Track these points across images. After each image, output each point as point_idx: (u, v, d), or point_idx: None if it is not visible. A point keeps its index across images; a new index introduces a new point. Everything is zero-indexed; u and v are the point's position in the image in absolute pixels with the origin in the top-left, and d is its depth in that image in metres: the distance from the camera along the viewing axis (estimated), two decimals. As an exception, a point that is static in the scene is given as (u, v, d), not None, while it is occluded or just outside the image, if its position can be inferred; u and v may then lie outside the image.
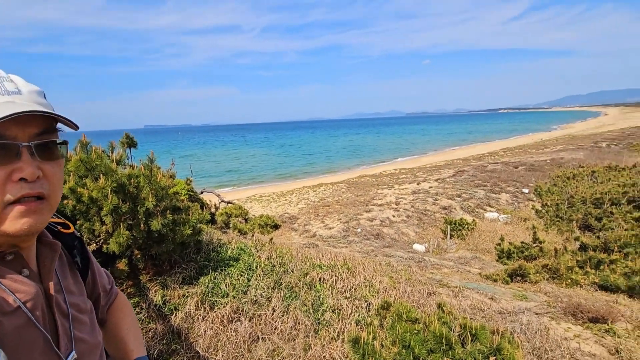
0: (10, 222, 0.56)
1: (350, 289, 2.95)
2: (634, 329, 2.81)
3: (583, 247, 5.02)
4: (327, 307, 2.69)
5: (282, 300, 2.64)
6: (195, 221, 2.58)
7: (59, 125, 0.62)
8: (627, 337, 2.67)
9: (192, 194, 4.56)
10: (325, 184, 17.71)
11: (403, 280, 3.36)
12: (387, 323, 1.97)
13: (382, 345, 1.77)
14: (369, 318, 2.54)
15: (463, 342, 1.72)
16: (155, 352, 2.09)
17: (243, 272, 2.81)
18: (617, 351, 2.49)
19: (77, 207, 2.12)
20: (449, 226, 8.55)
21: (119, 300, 0.94)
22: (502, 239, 6.24)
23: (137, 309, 2.28)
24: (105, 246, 2.20)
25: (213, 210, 5.97)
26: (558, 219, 8.06)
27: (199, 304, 2.42)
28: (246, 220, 7.79)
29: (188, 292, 2.48)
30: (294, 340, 2.35)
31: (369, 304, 2.78)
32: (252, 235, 4.37)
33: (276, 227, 8.94)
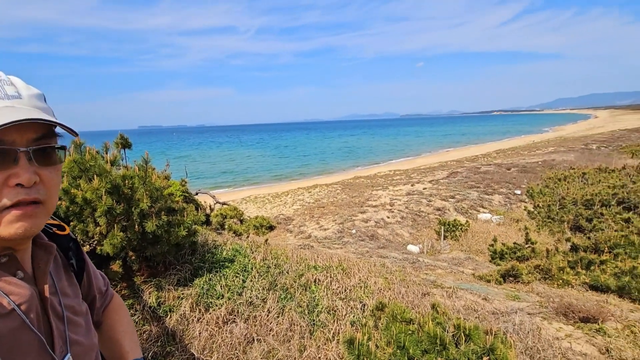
0: (5, 226, 0.55)
1: (345, 290, 2.96)
2: (624, 328, 2.86)
3: (574, 248, 5.10)
4: (322, 308, 2.70)
5: (278, 301, 2.63)
6: (190, 222, 2.57)
7: (58, 129, 0.62)
8: (617, 337, 2.71)
9: (187, 195, 4.53)
10: (320, 185, 17.72)
11: (397, 281, 3.38)
12: (381, 324, 1.98)
13: (377, 346, 1.78)
14: (364, 319, 2.55)
15: (457, 343, 1.74)
16: (150, 355, 2.07)
17: (238, 274, 2.80)
18: (607, 350, 2.53)
19: (70, 209, 2.10)
20: (442, 227, 8.61)
21: (115, 302, 0.94)
22: (495, 240, 6.30)
23: (131, 311, 2.26)
24: (99, 248, 2.18)
25: (208, 211, 5.94)
26: (550, 220, 8.17)
27: (194, 306, 2.41)
28: (241, 221, 7.76)
29: (183, 293, 2.47)
30: (289, 341, 2.35)
31: (364, 304, 2.79)
32: (247, 237, 4.35)
33: (271, 228, 8.92)
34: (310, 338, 2.41)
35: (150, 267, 2.56)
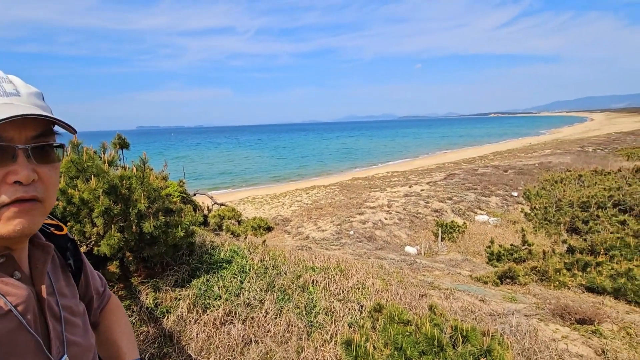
0: (3, 224, 0.55)
1: (343, 291, 2.96)
2: (620, 330, 2.87)
3: (570, 250, 5.13)
4: (319, 310, 2.69)
5: (275, 302, 2.63)
6: (187, 223, 2.56)
7: (56, 128, 0.62)
8: (613, 338, 2.73)
9: (184, 195, 4.52)
10: (318, 187, 17.72)
11: (395, 283, 3.38)
12: (379, 325, 1.98)
13: (374, 347, 1.78)
14: (362, 320, 2.55)
15: (454, 344, 1.74)
16: (147, 356, 2.06)
17: (236, 275, 2.80)
18: (603, 352, 2.54)
19: (67, 209, 2.09)
20: (440, 229, 8.64)
21: (112, 303, 0.93)
22: (492, 242, 6.33)
23: (128, 312, 2.25)
24: (96, 248, 2.17)
25: (206, 212, 5.93)
26: (546, 221, 8.21)
27: (191, 307, 2.40)
28: (239, 222, 7.75)
29: (180, 294, 2.46)
30: (287, 342, 2.34)
31: (362, 306, 2.79)
32: (245, 238, 4.35)
33: (269, 229, 8.91)
34: (308, 339, 2.40)
35: (148, 268, 2.55)
